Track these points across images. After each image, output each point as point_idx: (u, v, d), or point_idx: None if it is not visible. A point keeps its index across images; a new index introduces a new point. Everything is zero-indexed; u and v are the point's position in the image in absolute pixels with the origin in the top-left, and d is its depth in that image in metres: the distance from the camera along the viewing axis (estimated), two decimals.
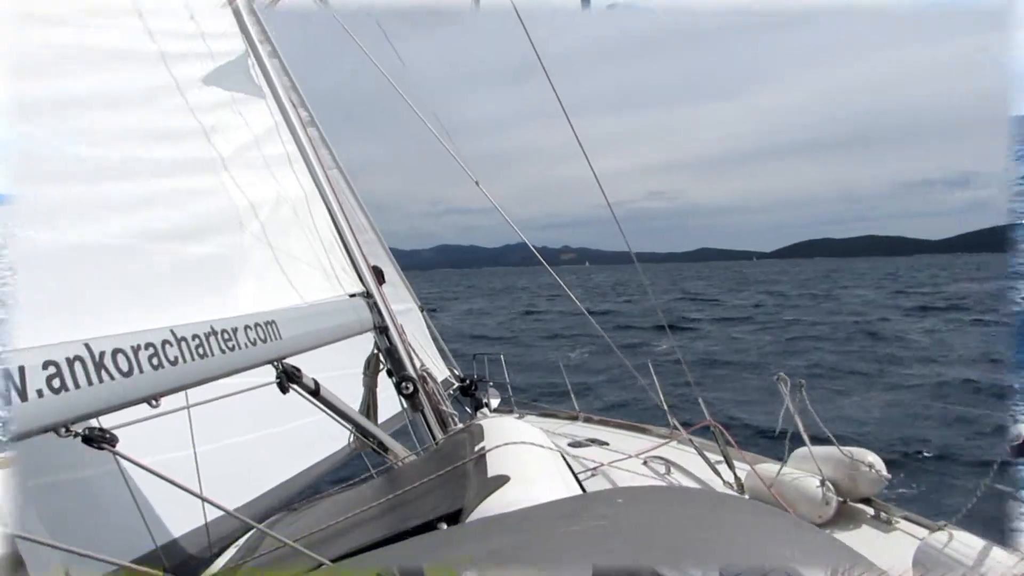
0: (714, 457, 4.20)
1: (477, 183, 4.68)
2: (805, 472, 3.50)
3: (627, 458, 3.77)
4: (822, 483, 3.36)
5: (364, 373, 3.98)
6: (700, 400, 4.80)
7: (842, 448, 3.43)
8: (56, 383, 1.62)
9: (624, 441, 4.87)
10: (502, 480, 2.10)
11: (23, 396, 1.53)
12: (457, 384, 6.66)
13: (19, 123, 2.26)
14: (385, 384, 4.14)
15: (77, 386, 1.68)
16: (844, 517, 3.41)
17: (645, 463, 4.14)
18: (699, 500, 1.24)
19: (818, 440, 3.50)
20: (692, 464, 4.19)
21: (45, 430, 1.60)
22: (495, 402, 6.90)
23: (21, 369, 1.55)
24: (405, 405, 3.96)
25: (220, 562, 2.71)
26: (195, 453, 2.93)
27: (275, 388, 2.88)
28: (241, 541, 2.94)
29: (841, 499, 3.40)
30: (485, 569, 0.92)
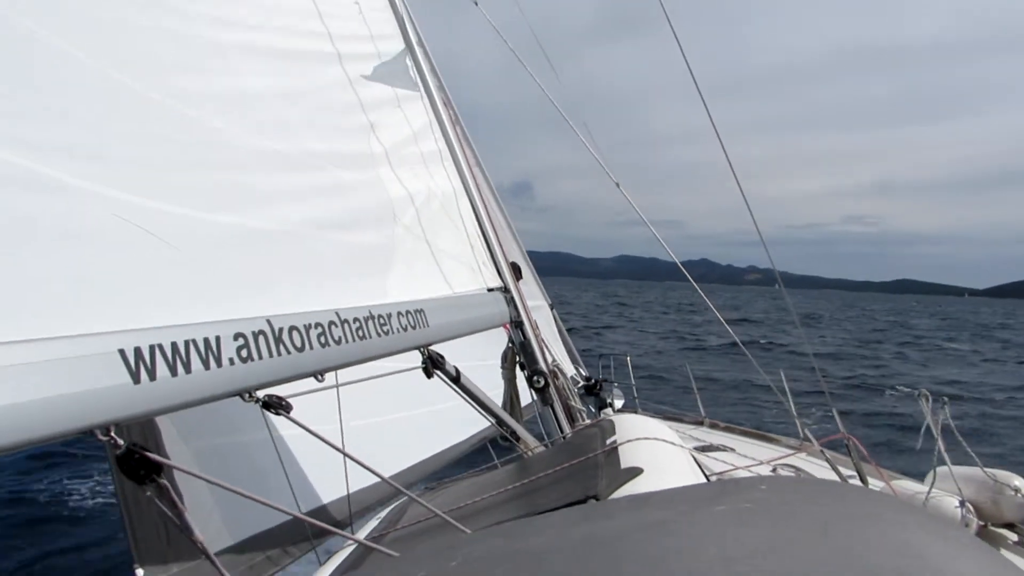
0: (847, 472, 4.08)
1: (618, 185, 4.73)
2: (944, 492, 3.36)
3: (756, 464, 3.72)
4: (961, 504, 3.23)
5: (502, 367, 4.12)
6: (834, 412, 4.67)
7: (986, 470, 3.28)
8: (244, 353, 1.81)
9: (751, 449, 4.80)
10: (635, 472, 2.16)
11: (218, 363, 1.72)
12: (582, 383, 6.73)
13: (209, 116, 2.51)
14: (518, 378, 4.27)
15: (260, 357, 1.86)
16: (985, 540, 3.26)
17: (775, 470, 4.07)
18: (849, 494, 1.24)
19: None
20: (823, 476, 4.08)
21: (234, 394, 1.79)
22: (619, 403, 6.92)
23: (217, 339, 1.74)
24: (535, 398, 4.07)
25: (362, 533, 2.89)
26: (341, 427, 3.15)
27: (416, 373, 3.05)
28: (383, 513, 3.13)
29: (982, 523, 3.25)
30: (635, 540, 0.98)
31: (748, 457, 4.06)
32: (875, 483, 3.86)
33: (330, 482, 3.60)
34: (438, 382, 3.13)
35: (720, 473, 3.90)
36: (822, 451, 4.29)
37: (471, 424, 5.27)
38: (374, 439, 3.82)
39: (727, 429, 5.92)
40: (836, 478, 3.97)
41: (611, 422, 2.94)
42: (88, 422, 1.40)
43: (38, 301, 1.56)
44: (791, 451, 4.61)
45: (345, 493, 3.36)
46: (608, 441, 2.61)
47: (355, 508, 3.67)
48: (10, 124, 1.71)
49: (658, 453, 2.41)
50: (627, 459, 2.33)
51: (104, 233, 1.82)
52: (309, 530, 3.64)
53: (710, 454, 4.55)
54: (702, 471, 2.53)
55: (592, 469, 2.41)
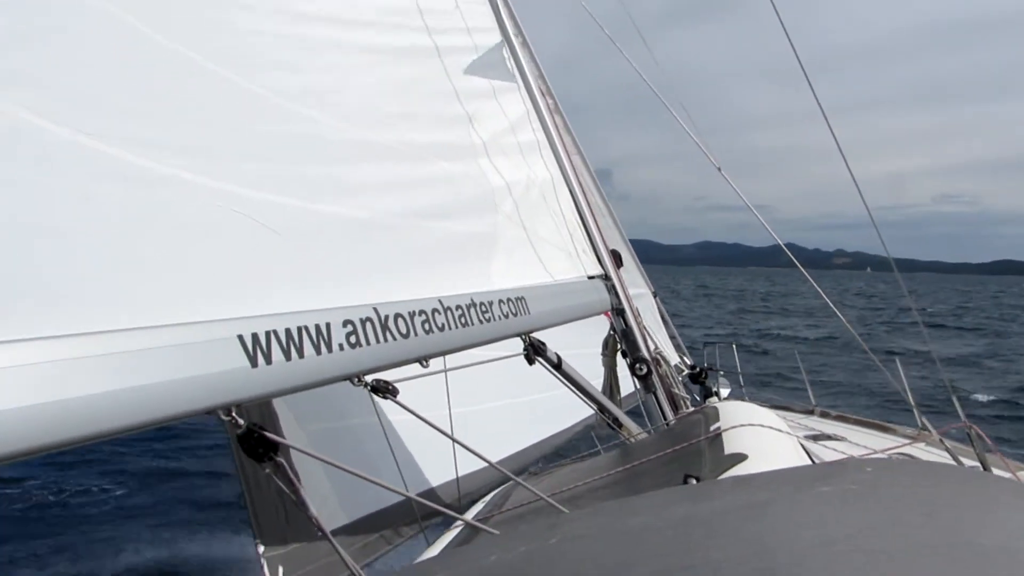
0: (969, 462, 3.85)
1: (719, 168, 4.63)
2: None
3: (870, 453, 3.57)
4: None
5: (603, 354, 4.12)
6: (955, 400, 4.42)
7: None
8: (353, 339, 1.88)
9: (864, 438, 4.60)
10: (739, 458, 2.12)
11: (329, 348, 1.80)
12: (687, 371, 6.63)
13: (311, 111, 2.59)
14: (619, 364, 4.25)
15: (368, 343, 1.93)
16: None
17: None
18: (961, 476, 1.18)
19: None
20: None
21: (344, 378, 1.86)
22: (725, 391, 6.78)
23: (327, 326, 1.82)
24: (638, 386, 4.04)
25: (469, 514, 2.95)
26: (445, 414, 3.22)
27: (518, 362, 3.08)
28: (488, 497, 3.18)
29: None
30: (733, 520, 0.97)
31: (861, 446, 3.91)
32: (1001, 474, 3.64)
33: (434, 467, 3.69)
34: (540, 369, 3.15)
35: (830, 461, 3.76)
36: (941, 440, 4.07)
37: (574, 412, 5.29)
38: (477, 425, 3.89)
39: (839, 418, 5.69)
40: None
41: (715, 409, 2.89)
42: (211, 403, 1.49)
43: (158, 290, 1.66)
44: (908, 440, 4.40)
45: (449, 478, 3.44)
46: (712, 427, 2.57)
47: (466, 491, 3.75)
48: (127, 123, 1.81)
49: (763, 440, 2.35)
50: (731, 446, 2.29)
51: (217, 225, 1.92)
52: (417, 512, 3.75)
53: (821, 442, 4.40)
54: (811, 459, 2.46)
55: (695, 455, 2.38)
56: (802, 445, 2.58)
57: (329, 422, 3.78)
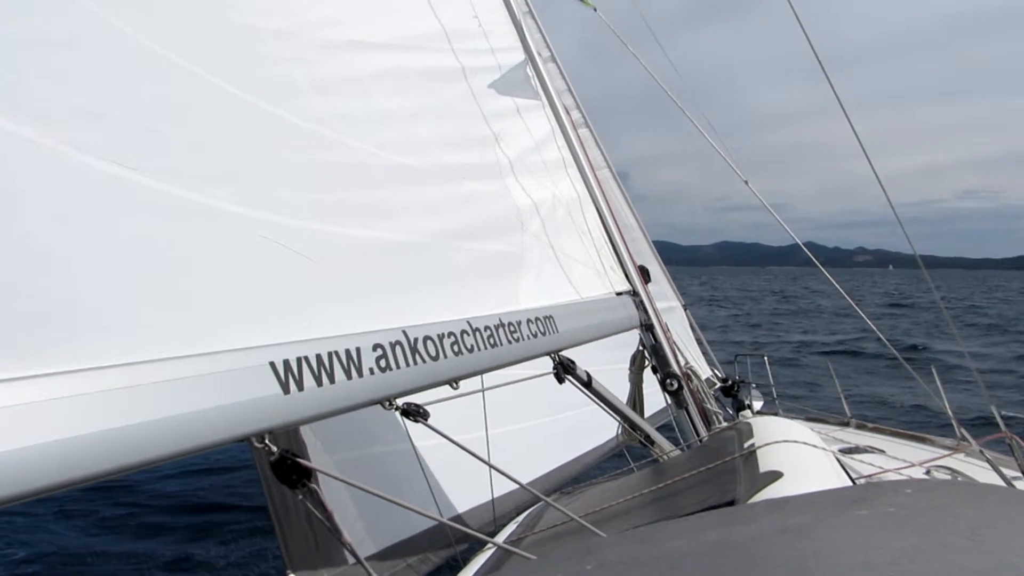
0: (1011, 473, 3.77)
1: (747, 182, 4.60)
2: None
3: (908, 466, 3.51)
4: None
5: (630, 369, 4.10)
6: (994, 410, 4.34)
7: None
8: (383, 363, 1.89)
9: (902, 451, 4.53)
10: (775, 476, 2.10)
11: (360, 373, 1.81)
12: (719, 384, 6.57)
13: (342, 136, 2.63)
14: (650, 380, 4.23)
15: (398, 367, 1.94)
16: None
17: (928, 473, 3.82)
18: (1005, 496, 1.15)
19: None
20: (984, 479, 3.79)
21: (374, 403, 1.88)
22: (758, 404, 6.71)
23: (357, 350, 1.83)
24: (669, 401, 4.01)
25: (500, 537, 2.95)
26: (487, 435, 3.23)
27: (548, 381, 3.08)
28: (520, 518, 3.18)
29: None
30: (772, 544, 0.96)
31: (899, 459, 3.84)
32: None
33: (461, 491, 3.69)
34: (569, 388, 3.15)
35: (867, 476, 3.71)
36: (981, 451, 3.99)
37: (605, 430, 5.26)
38: (507, 447, 3.88)
39: (876, 429, 5.60)
40: (998, 481, 3.68)
41: (748, 425, 2.86)
42: (245, 430, 1.51)
43: (195, 318, 1.69)
44: (947, 452, 4.32)
45: (476, 502, 3.44)
46: (746, 444, 2.54)
47: (496, 514, 3.74)
48: (165, 155, 1.86)
49: (799, 456, 2.32)
50: (766, 463, 2.27)
51: (250, 252, 1.95)
52: (451, 536, 3.75)
53: (857, 456, 4.33)
54: (847, 474, 2.42)
55: (730, 473, 2.36)
56: (838, 460, 2.55)
57: (355, 449, 3.79)
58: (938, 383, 4.86)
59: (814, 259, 5.11)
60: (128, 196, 1.69)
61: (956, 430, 4.49)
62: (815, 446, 2.47)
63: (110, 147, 1.69)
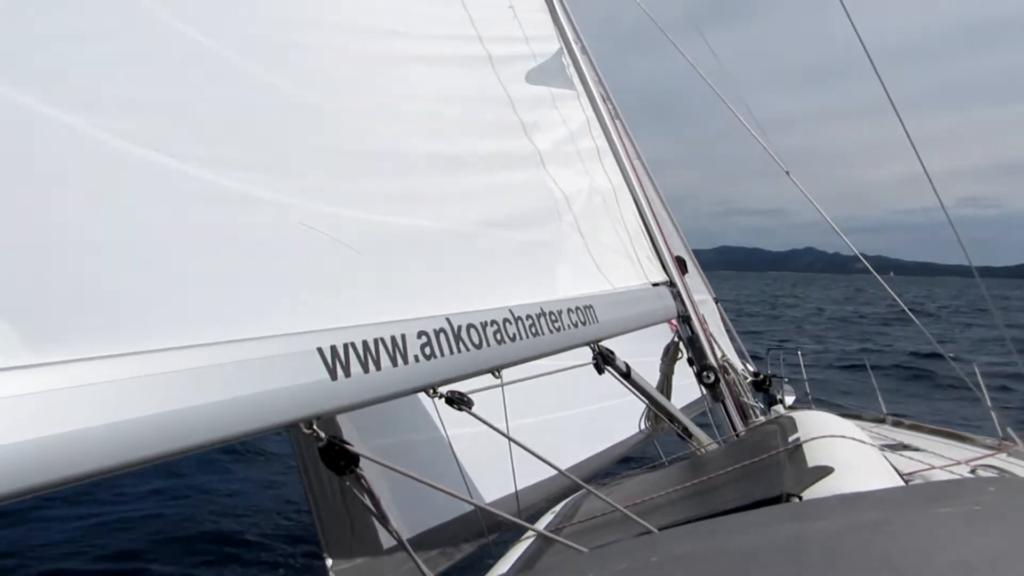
0: None
1: (788, 172, 4.53)
2: None
3: (953, 464, 3.43)
4: None
5: (662, 360, 4.06)
6: None
7: None
8: (427, 350, 1.87)
9: (944, 449, 4.43)
10: (825, 471, 2.05)
11: (405, 360, 1.79)
12: (750, 378, 6.50)
13: (379, 124, 2.61)
14: (683, 372, 4.18)
15: (442, 354, 1.92)
16: None
17: (974, 471, 3.74)
18: None
19: None
20: None
21: (419, 390, 1.86)
22: (790, 399, 6.63)
23: (403, 337, 1.81)
24: (705, 394, 3.97)
25: (539, 526, 2.92)
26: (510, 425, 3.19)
27: (572, 370, 3.04)
28: (556, 509, 3.15)
29: None
30: (853, 541, 0.92)
31: (944, 457, 3.76)
32: None
33: (490, 480, 3.66)
34: (596, 378, 3.11)
35: (912, 473, 3.63)
36: None
37: (631, 423, 5.22)
38: (538, 437, 3.86)
39: (912, 427, 5.50)
40: None
41: (791, 419, 2.81)
42: (295, 416, 1.49)
43: (236, 304, 1.68)
44: (990, 451, 4.23)
45: (506, 492, 3.41)
46: (791, 439, 2.49)
47: (523, 505, 3.71)
48: (204, 143, 1.85)
49: (848, 452, 2.27)
50: (814, 458, 2.22)
51: (289, 240, 1.94)
52: (483, 524, 3.73)
53: (900, 453, 4.25)
54: (896, 471, 2.37)
55: (775, 467, 2.31)
56: (885, 457, 2.49)
57: (386, 437, 3.78)
58: (980, 380, 4.76)
59: (868, 266, 5.02)
60: (168, 183, 1.69)
61: (998, 429, 4.39)
62: (863, 442, 2.42)
63: (151, 135, 1.69)
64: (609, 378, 3.13)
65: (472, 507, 3.75)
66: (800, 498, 1.79)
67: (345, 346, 1.65)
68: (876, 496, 1.12)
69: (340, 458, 1.63)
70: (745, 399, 3.99)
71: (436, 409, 3.41)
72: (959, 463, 3.59)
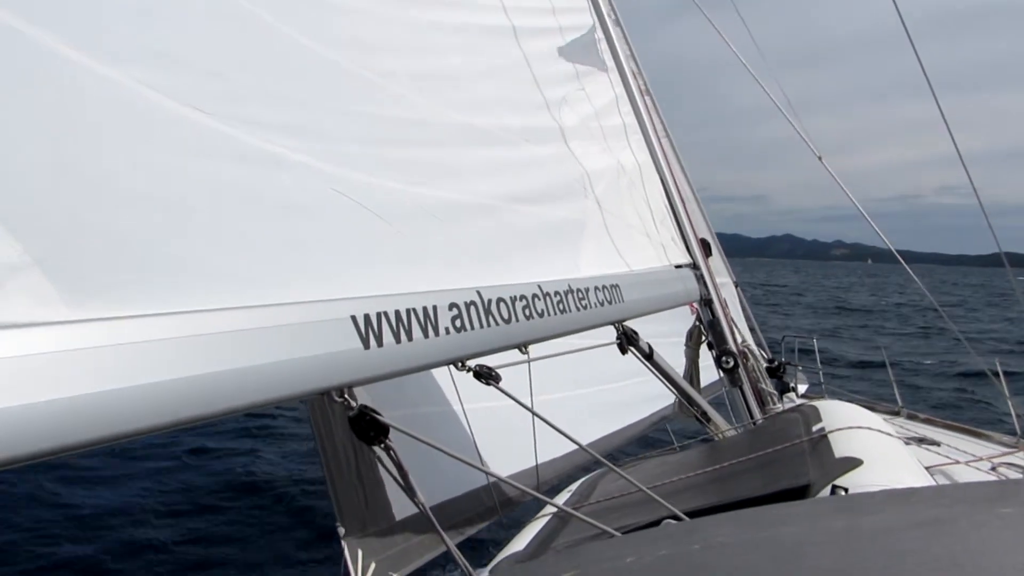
0: None
1: (820, 158, 4.46)
2: None
3: (975, 460, 3.40)
4: None
5: (686, 344, 4.03)
6: None
7: None
8: (458, 323, 1.85)
9: (962, 444, 4.39)
10: (854, 463, 2.03)
11: (436, 332, 1.77)
12: (764, 365, 6.45)
13: (411, 93, 2.57)
14: (701, 355, 4.15)
15: (472, 327, 1.90)
16: None
17: (994, 468, 3.71)
18: None
19: None
20: None
21: (449, 363, 1.84)
22: (803, 387, 6.59)
23: (434, 308, 1.79)
24: (723, 378, 3.94)
25: (558, 502, 2.92)
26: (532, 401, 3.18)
27: (596, 350, 3.01)
28: (574, 486, 3.14)
29: None
30: (912, 538, 0.90)
31: (965, 452, 3.73)
32: None
33: (505, 456, 3.65)
34: (615, 359, 3.08)
35: (933, 467, 3.60)
36: None
37: (649, 403, 5.20)
38: (556, 415, 3.86)
39: (928, 421, 5.45)
40: None
41: (814, 408, 2.79)
42: (327, 383, 1.47)
43: (266, 267, 1.66)
44: (1009, 448, 4.19)
45: (522, 467, 3.41)
46: (814, 428, 2.47)
47: (535, 481, 3.71)
48: (241, 103, 1.82)
49: (875, 443, 2.24)
50: (841, 448, 2.19)
51: (322, 205, 1.91)
52: (496, 500, 3.73)
53: (913, 448, 4.23)
54: (921, 465, 2.34)
55: (799, 456, 2.29)
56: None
57: (406, 408, 3.78)
58: (1001, 375, 4.71)
59: (899, 257, 4.94)
60: (201, 140, 1.66)
61: (1016, 426, 4.35)
62: (889, 434, 2.39)
63: (186, 90, 1.66)
64: (621, 356, 3.10)
65: (485, 482, 3.76)
66: (846, 491, 1.77)
67: (378, 315, 1.63)
68: (927, 493, 1.09)
69: (371, 428, 1.61)
70: (764, 386, 3.96)
71: (454, 382, 3.38)
72: (981, 459, 3.56)
